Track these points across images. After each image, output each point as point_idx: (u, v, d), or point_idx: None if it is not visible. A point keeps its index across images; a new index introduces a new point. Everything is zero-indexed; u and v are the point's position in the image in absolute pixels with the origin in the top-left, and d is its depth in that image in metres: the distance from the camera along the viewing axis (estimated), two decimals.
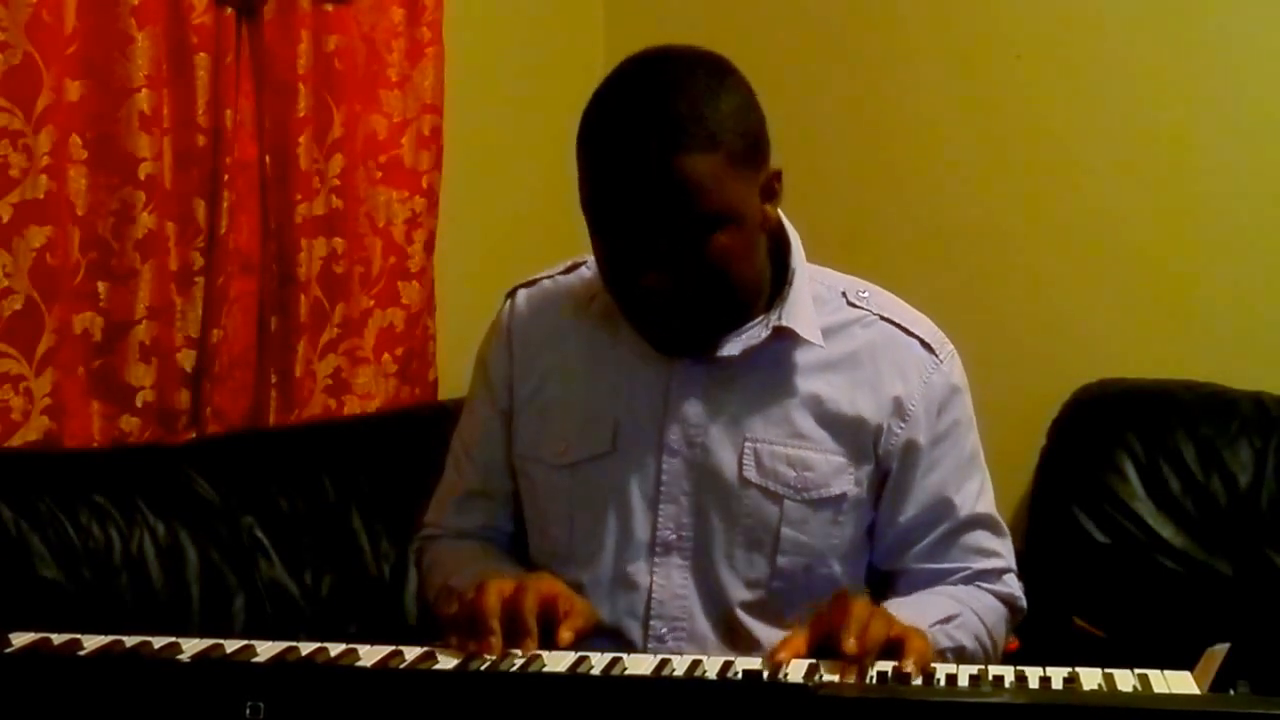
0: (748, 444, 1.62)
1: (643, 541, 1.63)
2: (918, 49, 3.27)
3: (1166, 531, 2.85)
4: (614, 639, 1.62)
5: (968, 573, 1.68)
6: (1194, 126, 3.04)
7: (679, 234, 1.49)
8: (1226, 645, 1.36)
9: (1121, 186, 3.10)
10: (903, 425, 1.64)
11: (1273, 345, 2.99)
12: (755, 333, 1.61)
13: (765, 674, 1.32)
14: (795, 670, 1.37)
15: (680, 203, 1.48)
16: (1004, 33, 3.18)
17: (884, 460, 1.64)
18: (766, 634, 1.62)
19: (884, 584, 1.69)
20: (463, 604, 1.47)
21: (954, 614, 1.60)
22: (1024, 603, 1.73)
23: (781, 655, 1.39)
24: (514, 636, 1.43)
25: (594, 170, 1.52)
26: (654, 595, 1.63)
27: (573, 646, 1.46)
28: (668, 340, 1.60)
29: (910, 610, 1.53)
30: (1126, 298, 3.11)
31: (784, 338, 1.62)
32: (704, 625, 1.63)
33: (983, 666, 1.36)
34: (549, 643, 1.45)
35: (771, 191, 1.58)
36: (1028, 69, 3.16)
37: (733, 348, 1.61)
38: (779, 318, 1.61)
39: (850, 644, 1.35)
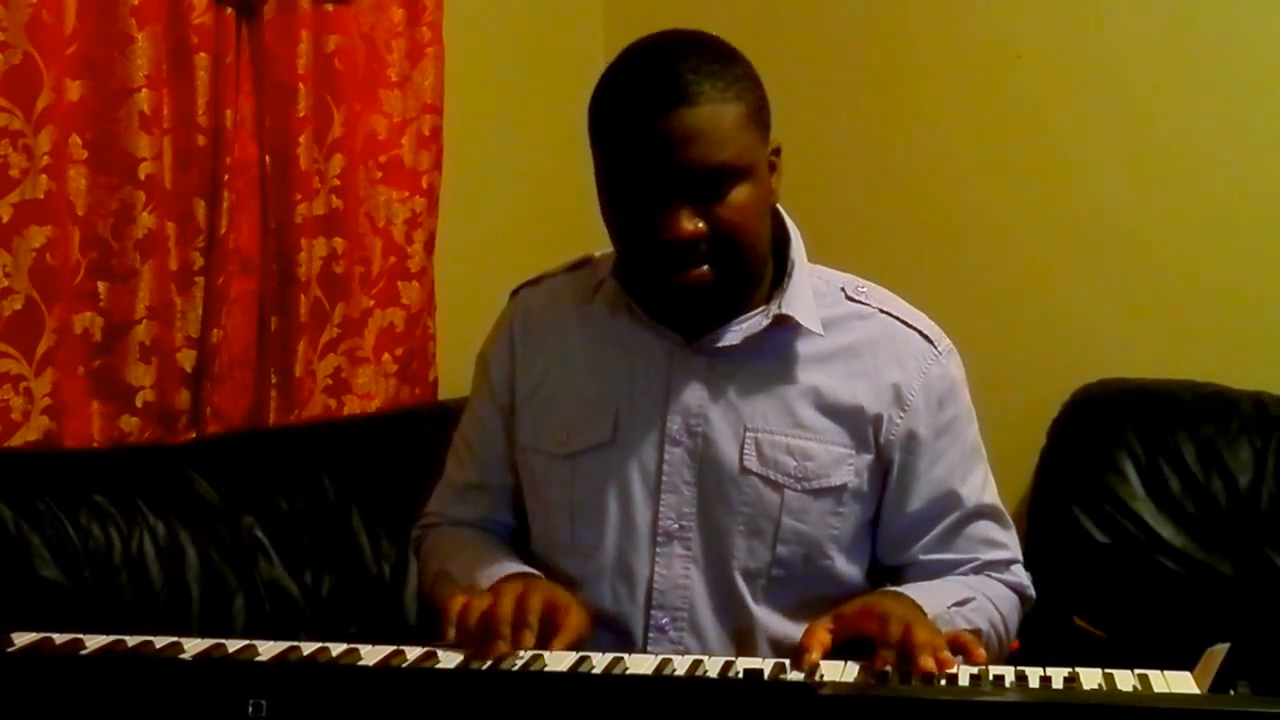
0: (748, 433, 1.63)
1: (644, 531, 1.64)
2: (918, 49, 3.27)
3: (1166, 531, 2.85)
4: (614, 629, 1.63)
5: (976, 563, 1.69)
6: (1194, 126, 3.03)
7: (702, 182, 1.51)
8: (1226, 645, 1.35)
9: (1121, 186, 3.10)
10: (903, 415, 1.65)
11: (1273, 345, 2.99)
12: (755, 321, 1.63)
13: (766, 673, 1.32)
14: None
15: (705, 150, 1.50)
16: (1004, 33, 3.18)
17: (885, 451, 1.65)
18: (767, 623, 1.63)
19: (889, 580, 1.69)
20: (472, 608, 1.46)
21: (969, 598, 1.61)
22: (1033, 592, 1.74)
23: (814, 656, 1.40)
24: (515, 629, 1.44)
25: (620, 128, 1.53)
26: (655, 585, 1.63)
27: (574, 646, 1.46)
28: (684, 301, 1.59)
29: (924, 595, 1.53)
30: (1126, 298, 3.11)
31: (784, 327, 1.63)
32: (705, 615, 1.63)
33: (983, 666, 1.36)
34: (544, 645, 1.45)
35: (774, 165, 1.61)
36: (1028, 69, 3.16)
37: (733, 337, 1.62)
38: (779, 306, 1.63)
39: (929, 664, 1.35)
